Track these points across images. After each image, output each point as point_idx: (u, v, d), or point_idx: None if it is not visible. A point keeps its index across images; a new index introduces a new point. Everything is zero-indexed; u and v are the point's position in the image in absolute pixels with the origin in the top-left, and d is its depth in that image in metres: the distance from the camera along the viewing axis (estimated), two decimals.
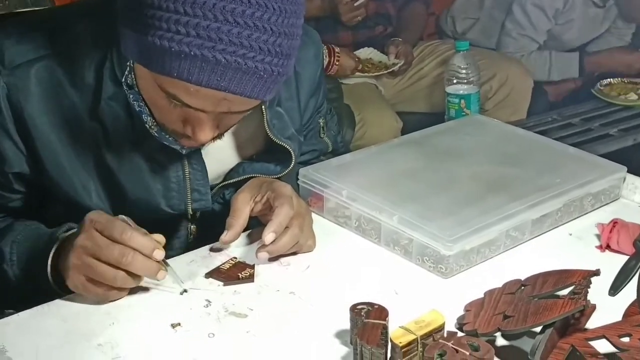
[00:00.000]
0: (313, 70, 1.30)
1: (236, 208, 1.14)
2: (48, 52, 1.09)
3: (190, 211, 1.20)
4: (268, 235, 1.09)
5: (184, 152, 1.13)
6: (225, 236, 1.12)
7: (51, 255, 1.04)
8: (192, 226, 1.25)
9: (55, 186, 1.14)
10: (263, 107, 1.18)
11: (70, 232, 1.06)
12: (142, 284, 1.04)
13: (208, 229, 1.21)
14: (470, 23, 2.97)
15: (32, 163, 1.13)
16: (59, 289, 1.04)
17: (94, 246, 0.99)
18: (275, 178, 1.22)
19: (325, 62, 2.50)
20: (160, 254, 1.00)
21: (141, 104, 1.06)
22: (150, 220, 1.18)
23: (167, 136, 1.08)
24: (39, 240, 1.08)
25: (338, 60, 2.54)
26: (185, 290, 1.05)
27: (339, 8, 2.62)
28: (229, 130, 1.12)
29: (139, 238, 0.99)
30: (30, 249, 1.08)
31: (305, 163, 1.36)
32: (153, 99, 1.04)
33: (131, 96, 1.06)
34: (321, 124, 1.39)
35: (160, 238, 1.04)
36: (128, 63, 1.05)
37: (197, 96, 0.96)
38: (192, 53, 0.91)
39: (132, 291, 1.05)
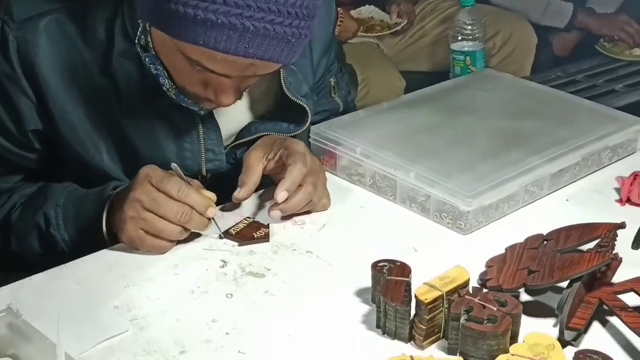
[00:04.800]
0: (325, 28, 1.26)
1: (249, 165, 1.12)
2: (58, 6, 1.06)
3: (204, 172, 1.17)
4: (281, 194, 1.07)
5: (202, 112, 1.11)
6: (238, 193, 1.10)
7: (105, 214, 1.03)
8: None
9: (67, 144, 1.11)
10: None
11: (118, 189, 1.05)
12: None
13: (219, 192, 1.18)
14: None
15: (45, 119, 1.10)
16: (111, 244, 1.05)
17: (151, 201, 0.99)
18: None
19: None
20: (213, 211, 1.02)
21: (158, 67, 1.03)
22: None
23: (186, 99, 1.06)
24: (86, 201, 1.07)
25: (341, 22, 2.48)
26: (221, 236, 1.07)
27: None
28: None
29: (194, 196, 1.00)
30: (78, 211, 1.07)
31: (316, 124, 1.33)
32: (173, 62, 1.02)
33: (147, 59, 1.03)
34: (332, 83, 1.36)
35: (211, 195, 1.04)
36: (140, 22, 1.02)
37: (223, 63, 0.94)
38: (219, 21, 0.88)
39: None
